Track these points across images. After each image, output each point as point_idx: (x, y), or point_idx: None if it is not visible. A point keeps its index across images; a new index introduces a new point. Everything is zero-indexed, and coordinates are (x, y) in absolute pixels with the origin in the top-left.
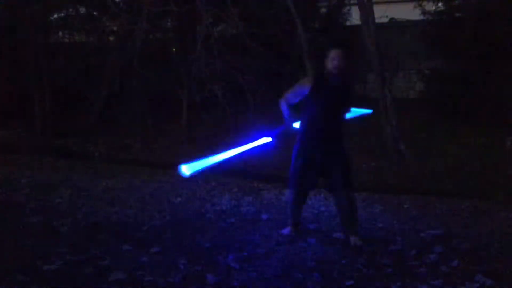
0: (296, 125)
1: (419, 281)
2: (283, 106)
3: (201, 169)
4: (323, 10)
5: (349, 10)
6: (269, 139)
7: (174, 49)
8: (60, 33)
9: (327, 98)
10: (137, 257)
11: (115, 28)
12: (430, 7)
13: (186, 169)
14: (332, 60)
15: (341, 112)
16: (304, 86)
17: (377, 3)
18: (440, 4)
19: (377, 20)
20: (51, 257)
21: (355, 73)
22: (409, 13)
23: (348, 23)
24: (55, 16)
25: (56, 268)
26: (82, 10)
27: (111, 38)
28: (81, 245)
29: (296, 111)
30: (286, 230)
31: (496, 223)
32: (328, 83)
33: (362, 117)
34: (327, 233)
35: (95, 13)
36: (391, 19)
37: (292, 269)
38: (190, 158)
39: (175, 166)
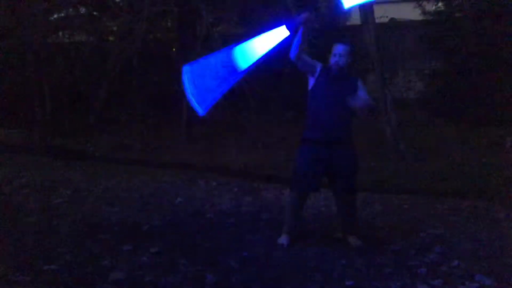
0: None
1: (419, 281)
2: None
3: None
4: (323, 10)
5: (349, 10)
6: (287, 32)
7: (174, 49)
8: (60, 33)
9: (330, 94)
10: (137, 257)
11: (115, 28)
12: (430, 7)
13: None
14: (333, 56)
15: (347, 110)
16: (315, 64)
17: (377, 3)
18: (440, 4)
19: (377, 20)
20: (51, 257)
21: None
22: (409, 13)
23: (348, 23)
24: (55, 16)
25: (56, 268)
26: (82, 10)
27: (111, 38)
28: (81, 245)
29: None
30: (283, 240)
31: (496, 223)
32: (331, 78)
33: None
34: (327, 233)
35: (95, 13)
36: (391, 19)
37: (292, 269)
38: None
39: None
